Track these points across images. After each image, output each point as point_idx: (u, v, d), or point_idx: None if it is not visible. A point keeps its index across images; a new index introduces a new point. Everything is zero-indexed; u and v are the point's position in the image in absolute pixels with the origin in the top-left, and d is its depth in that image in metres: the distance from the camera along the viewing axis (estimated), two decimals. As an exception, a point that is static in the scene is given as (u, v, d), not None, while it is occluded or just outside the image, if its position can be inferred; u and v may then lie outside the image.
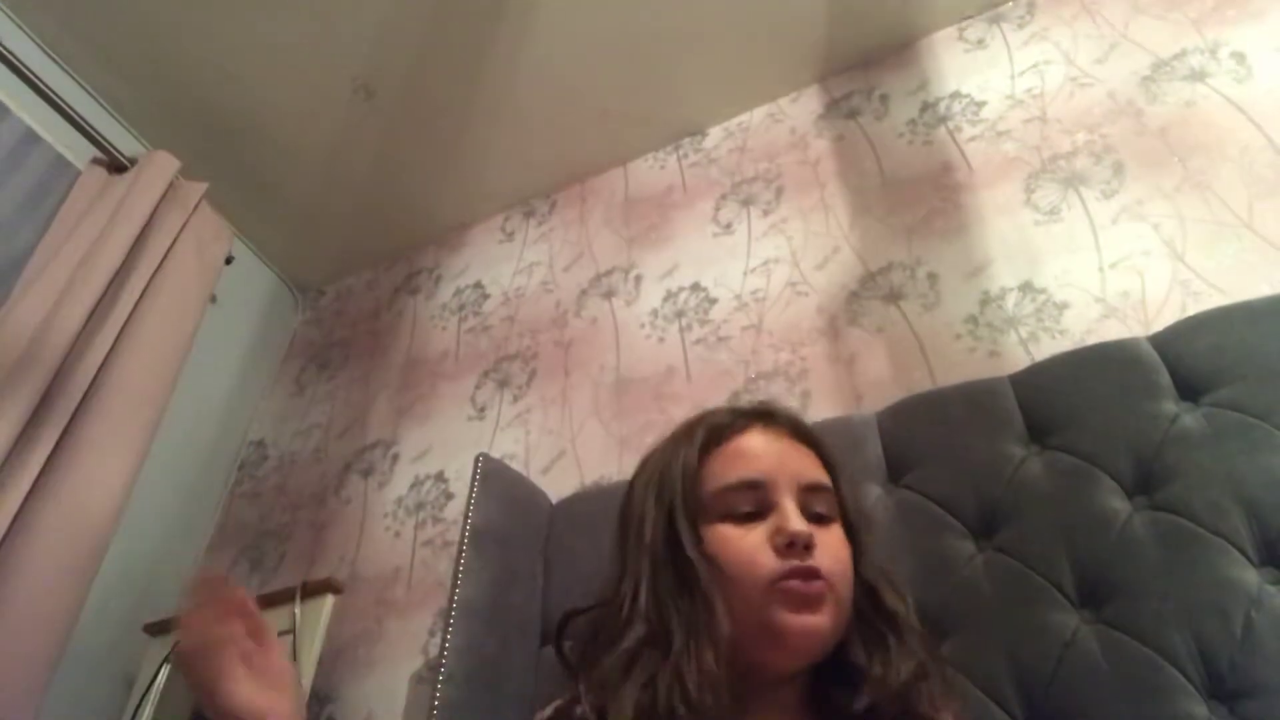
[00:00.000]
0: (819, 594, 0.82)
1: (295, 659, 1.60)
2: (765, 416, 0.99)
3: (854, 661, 0.86)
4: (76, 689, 1.74)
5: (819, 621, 0.82)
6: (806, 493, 0.89)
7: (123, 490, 1.66)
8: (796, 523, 0.84)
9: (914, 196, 1.82)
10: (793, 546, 0.83)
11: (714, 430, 0.96)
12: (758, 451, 0.93)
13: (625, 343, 1.96)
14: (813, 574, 0.82)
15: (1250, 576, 1.02)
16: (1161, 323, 1.31)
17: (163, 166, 1.98)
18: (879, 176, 1.91)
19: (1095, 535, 1.12)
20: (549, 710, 0.91)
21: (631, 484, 1.02)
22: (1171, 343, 1.22)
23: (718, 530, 0.87)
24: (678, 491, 0.91)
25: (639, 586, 0.87)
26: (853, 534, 0.94)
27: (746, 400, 1.67)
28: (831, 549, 0.87)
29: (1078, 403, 1.23)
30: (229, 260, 2.17)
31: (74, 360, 1.65)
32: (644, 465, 1.03)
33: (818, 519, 0.89)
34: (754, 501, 0.87)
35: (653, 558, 0.89)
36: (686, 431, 1.00)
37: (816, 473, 0.94)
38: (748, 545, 0.84)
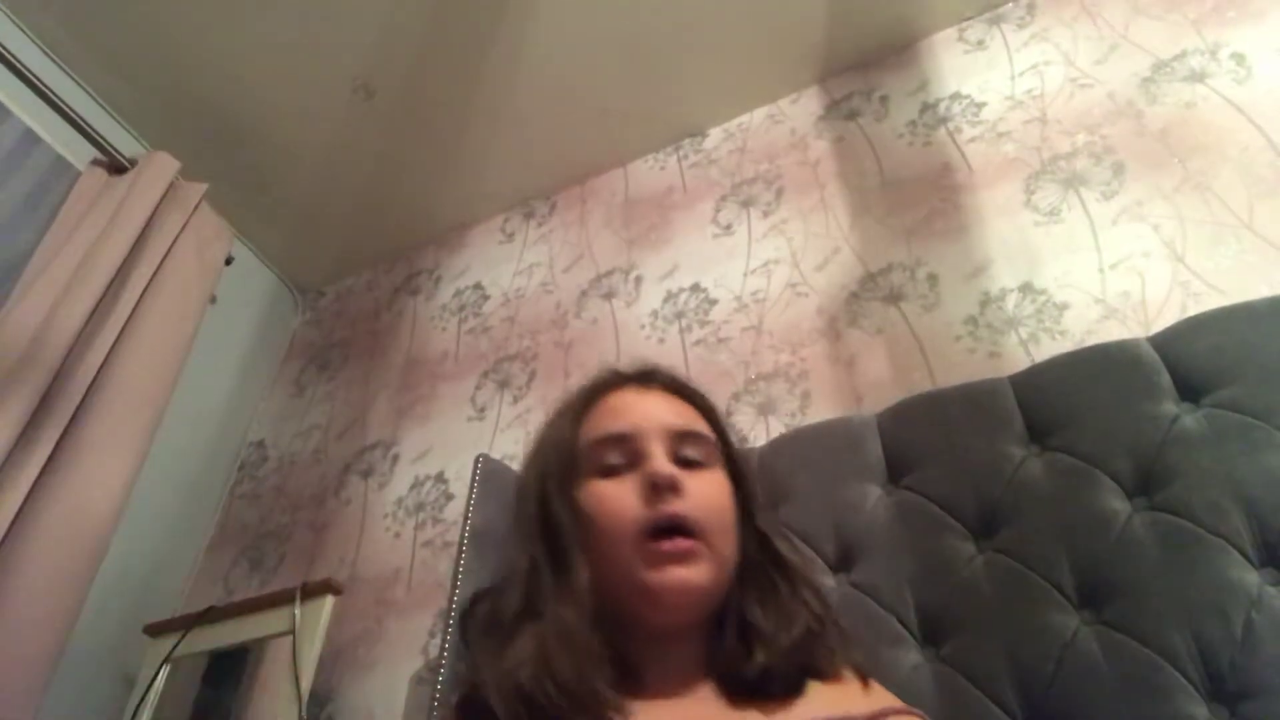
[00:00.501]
0: (688, 550, 0.79)
1: (295, 660, 1.60)
2: (640, 375, 0.97)
3: (748, 618, 0.83)
4: (76, 689, 1.74)
5: (689, 574, 0.79)
6: (677, 440, 0.87)
7: (123, 491, 1.66)
8: (660, 464, 0.82)
9: (914, 197, 1.82)
10: (657, 489, 0.81)
11: (589, 392, 0.96)
12: (628, 405, 0.91)
13: (625, 344, 1.96)
14: (680, 529, 0.80)
15: (1250, 577, 1.02)
16: (1161, 323, 1.31)
17: (163, 167, 1.98)
18: (879, 177, 1.91)
19: (1095, 536, 1.12)
20: (456, 696, 0.89)
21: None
22: (1172, 343, 1.22)
23: (590, 486, 0.85)
24: (551, 456, 0.91)
25: (520, 559, 0.86)
26: (740, 483, 0.92)
27: (744, 400, 1.67)
28: (704, 494, 0.84)
29: (1078, 403, 1.23)
30: (229, 261, 2.16)
31: (74, 361, 1.65)
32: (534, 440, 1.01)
33: (691, 464, 0.86)
34: (624, 454, 0.86)
35: (530, 527, 0.87)
36: (567, 400, 0.99)
37: (690, 420, 0.91)
38: (615, 494, 0.83)
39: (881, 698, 0.85)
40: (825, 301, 1.77)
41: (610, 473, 0.85)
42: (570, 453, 0.89)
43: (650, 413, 0.89)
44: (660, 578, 0.78)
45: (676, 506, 0.80)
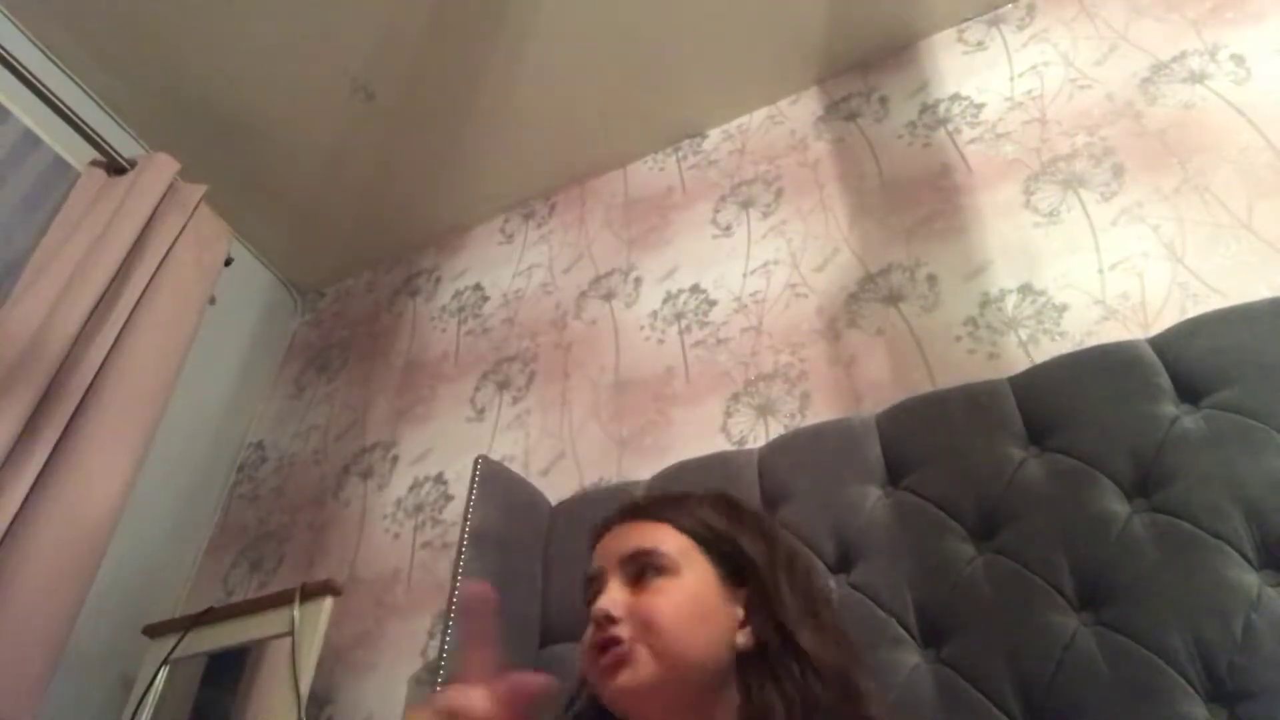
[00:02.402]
0: (616, 660, 0.90)
1: (294, 661, 1.60)
2: (618, 513, 1.08)
3: (753, 699, 0.91)
4: (75, 690, 1.74)
5: (624, 678, 0.89)
6: (629, 563, 0.98)
7: (122, 491, 1.66)
8: (598, 604, 0.94)
9: (913, 198, 1.82)
10: (598, 623, 0.93)
11: (591, 538, 1.08)
12: (600, 547, 1.04)
13: (625, 344, 1.96)
14: (609, 643, 0.91)
15: (1250, 579, 1.02)
16: (1161, 325, 1.32)
17: (162, 168, 1.98)
18: (878, 178, 1.91)
19: (1095, 537, 1.12)
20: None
21: None
22: (1171, 345, 1.22)
23: None
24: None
25: None
26: (724, 563, 1.00)
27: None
28: (649, 606, 0.93)
29: (1077, 405, 1.23)
30: (228, 262, 2.16)
31: (73, 362, 1.65)
32: None
33: (646, 578, 0.96)
34: (595, 592, 0.99)
35: None
36: None
37: (641, 539, 1.00)
38: (586, 631, 0.96)
39: None
40: (825, 302, 1.77)
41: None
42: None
43: (608, 550, 1.02)
44: (604, 687, 0.91)
45: (609, 631, 0.92)
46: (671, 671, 0.90)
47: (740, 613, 0.96)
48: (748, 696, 0.91)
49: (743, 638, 0.94)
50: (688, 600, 0.95)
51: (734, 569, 0.99)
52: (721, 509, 1.06)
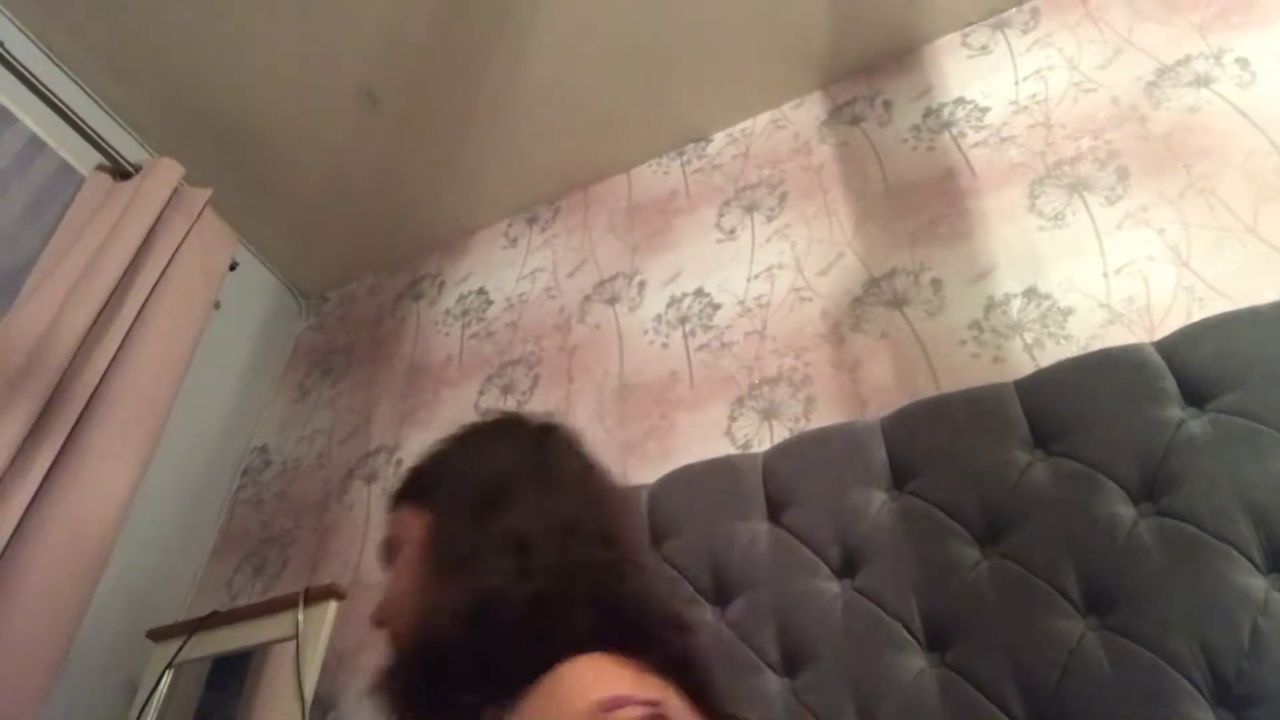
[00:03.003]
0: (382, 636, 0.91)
1: (298, 665, 1.60)
2: None
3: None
4: (79, 695, 1.74)
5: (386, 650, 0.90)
6: (382, 552, 0.99)
7: (126, 496, 1.66)
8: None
9: (918, 202, 1.82)
10: None
11: None
12: None
13: (629, 348, 1.96)
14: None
15: (1257, 583, 1.02)
16: (1166, 328, 1.31)
17: (167, 173, 1.98)
18: (882, 182, 1.91)
19: (1100, 541, 1.12)
20: None
21: None
22: (1177, 348, 1.22)
23: None
24: None
25: None
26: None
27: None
28: (389, 589, 0.94)
29: (1083, 409, 1.23)
30: (233, 266, 2.17)
31: (78, 366, 1.66)
32: None
33: (390, 563, 0.97)
34: None
35: None
36: None
37: (386, 529, 1.01)
38: None
39: None
40: (829, 306, 1.77)
41: None
42: None
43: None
44: None
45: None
46: (400, 646, 0.92)
47: None
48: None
49: None
50: (409, 578, 0.95)
51: None
52: None
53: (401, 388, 2.25)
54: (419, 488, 1.05)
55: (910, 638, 1.19)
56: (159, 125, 2.25)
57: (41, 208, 1.95)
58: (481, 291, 2.34)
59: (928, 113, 1.96)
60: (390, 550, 0.98)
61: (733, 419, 1.71)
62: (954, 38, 2.07)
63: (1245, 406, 1.12)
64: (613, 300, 2.08)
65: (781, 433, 1.62)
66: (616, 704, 0.71)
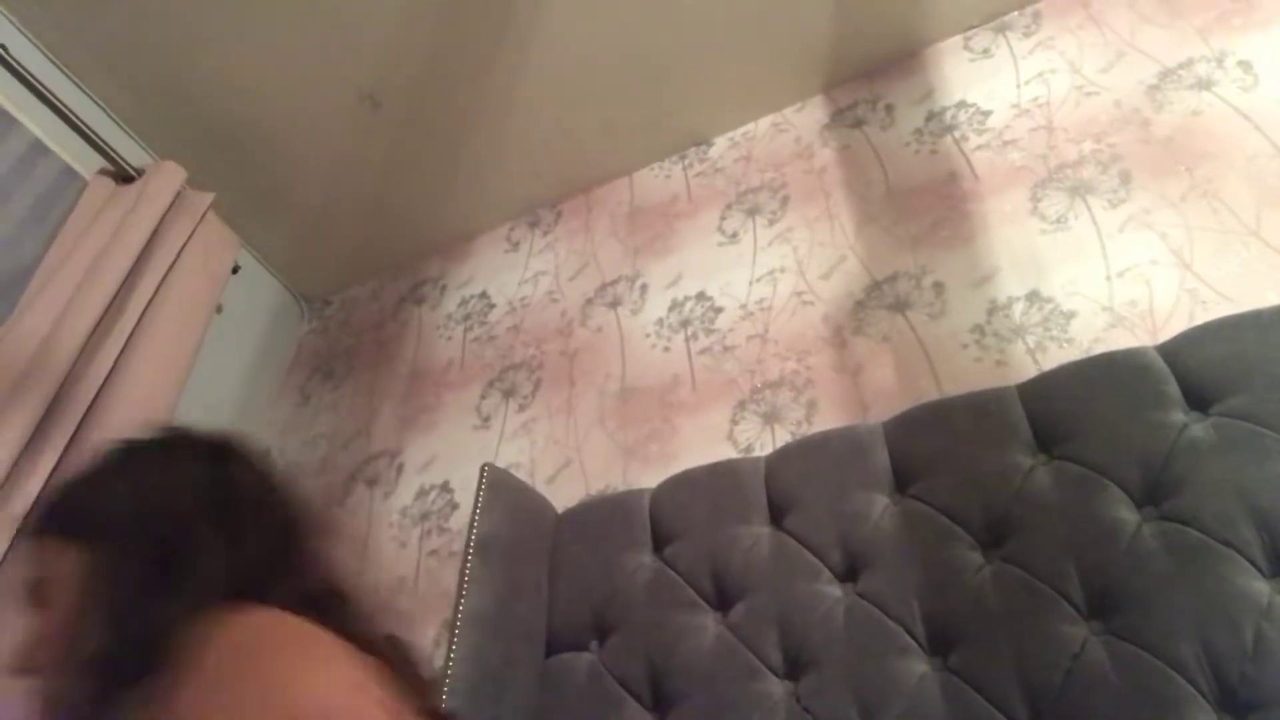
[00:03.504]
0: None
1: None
2: None
3: None
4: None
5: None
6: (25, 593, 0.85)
7: (128, 500, 1.65)
8: None
9: (920, 206, 1.82)
10: None
11: None
12: None
13: (630, 352, 1.96)
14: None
15: (1260, 587, 1.01)
16: (1169, 332, 1.31)
17: (170, 177, 1.99)
18: (884, 186, 1.91)
19: (1104, 546, 1.11)
20: None
21: None
22: (1179, 352, 1.22)
23: None
24: None
25: None
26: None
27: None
28: (36, 630, 0.83)
29: (1085, 412, 1.22)
30: (235, 270, 2.17)
31: (80, 370, 1.66)
32: None
33: (36, 603, 0.84)
34: None
35: None
36: None
37: (28, 566, 0.85)
38: None
39: None
40: (831, 310, 1.77)
41: None
42: None
43: None
44: None
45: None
46: (51, 690, 0.84)
47: None
48: None
49: None
50: (57, 623, 0.85)
51: None
52: None
53: (403, 391, 2.25)
54: (71, 520, 0.87)
55: (913, 642, 1.18)
56: (162, 129, 2.25)
57: (44, 212, 1.95)
58: (483, 295, 2.34)
59: (930, 116, 1.96)
60: (38, 590, 0.83)
61: (734, 422, 1.71)
62: (956, 41, 2.07)
63: (1248, 410, 1.12)
64: (614, 304, 2.08)
65: (783, 436, 1.62)
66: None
